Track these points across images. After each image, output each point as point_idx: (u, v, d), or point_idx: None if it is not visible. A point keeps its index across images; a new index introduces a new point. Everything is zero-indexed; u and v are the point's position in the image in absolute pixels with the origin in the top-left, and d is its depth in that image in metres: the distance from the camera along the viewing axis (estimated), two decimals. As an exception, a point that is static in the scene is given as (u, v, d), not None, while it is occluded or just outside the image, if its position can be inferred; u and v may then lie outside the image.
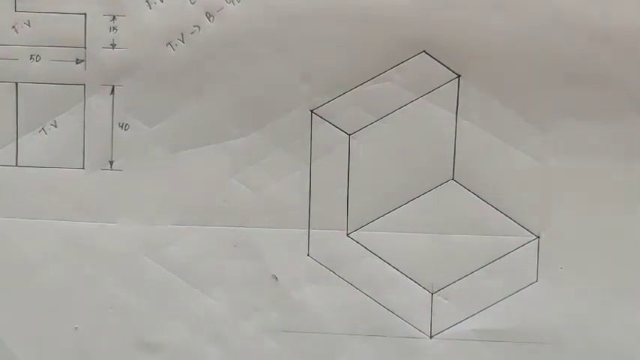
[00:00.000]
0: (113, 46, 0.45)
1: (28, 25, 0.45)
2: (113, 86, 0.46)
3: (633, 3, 0.44)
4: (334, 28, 0.44)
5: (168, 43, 0.45)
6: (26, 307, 0.46)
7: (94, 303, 0.46)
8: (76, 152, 0.46)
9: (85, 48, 0.45)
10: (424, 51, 0.44)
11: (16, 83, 0.46)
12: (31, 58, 0.45)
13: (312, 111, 0.45)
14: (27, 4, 0.45)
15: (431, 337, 0.46)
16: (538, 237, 0.45)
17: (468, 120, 0.45)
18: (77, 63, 0.46)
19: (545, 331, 0.45)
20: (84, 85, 0.46)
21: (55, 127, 0.46)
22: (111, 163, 0.46)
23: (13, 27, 0.45)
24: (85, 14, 0.45)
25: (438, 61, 0.45)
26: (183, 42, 0.45)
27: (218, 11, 0.45)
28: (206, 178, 0.46)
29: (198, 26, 0.45)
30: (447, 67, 0.45)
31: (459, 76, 0.45)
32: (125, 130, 0.46)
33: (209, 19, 0.45)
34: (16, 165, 0.46)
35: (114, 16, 0.45)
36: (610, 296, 0.45)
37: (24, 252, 0.46)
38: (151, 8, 0.45)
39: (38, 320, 0.46)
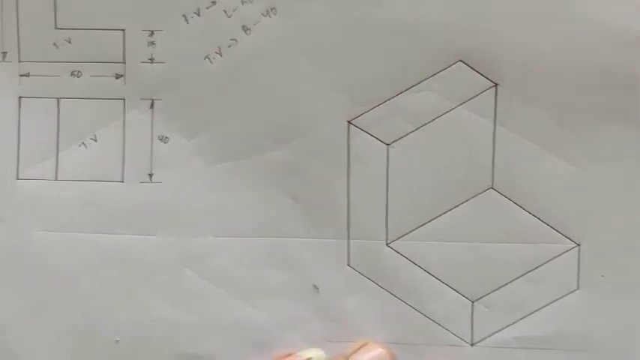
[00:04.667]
0: (152, 60, 0.46)
1: (69, 42, 0.46)
2: (152, 100, 0.46)
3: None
4: (371, 39, 0.45)
5: (206, 57, 0.45)
6: (67, 320, 0.47)
7: (134, 316, 0.46)
8: (116, 165, 0.46)
9: (124, 63, 0.46)
10: (461, 60, 0.45)
11: (58, 99, 0.46)
12: (72, 75, 0.46)
13: (349, 122, 0.45)
14: (67, 21, 0.46)
15: (472, 344, 0.46)
16: (578, 245, 0.45)
17: (505, 128, 0.45)
18: (117, 78, 0.46)
19: (586, 339, 0.45)
20: (124, 99, 0.46)
21: (95, 141, 0.46)
22: (150, 175, 0.46)
23: (54, 44, 0.46)
24: (123, 30, 0.46)
25: (475, 70, 0.45)
26: (220, 55, 0.45)
27: (254, 24, 0.45)
28: (244, 189, 0.46)
29: (235, 39, 0.45)
30: (484, 76, 0.45)
31: (496, 84, 0.45)
32: (165, 143, 0.46)
33: (245, 32, 0.45)
34: (56, 179, 0.47)
35: (152, 31, 0.46)
36: (652, 303, 0.45)
37: (64, 265, 0.47)
38: (188, 22, 0.45)
39: (79, 333, 0.47)
